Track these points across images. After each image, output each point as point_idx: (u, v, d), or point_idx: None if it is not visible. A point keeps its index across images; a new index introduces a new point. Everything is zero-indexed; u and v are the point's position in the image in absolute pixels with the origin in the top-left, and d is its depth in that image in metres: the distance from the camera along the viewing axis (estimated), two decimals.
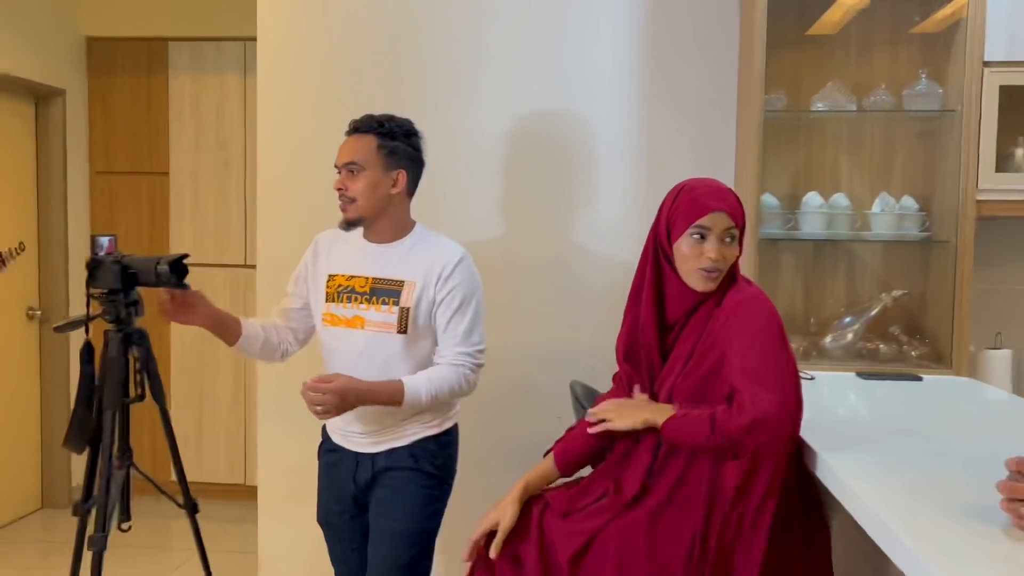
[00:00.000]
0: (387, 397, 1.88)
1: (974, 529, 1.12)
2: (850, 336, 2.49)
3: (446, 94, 2.66)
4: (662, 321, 1.70)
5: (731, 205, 1.64)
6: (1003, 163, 2.33)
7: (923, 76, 2.40)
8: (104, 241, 1.86)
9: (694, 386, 1.60)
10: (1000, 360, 2.36)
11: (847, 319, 2.51)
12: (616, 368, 1.81)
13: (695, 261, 1.62)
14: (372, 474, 1.98)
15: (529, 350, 2.69)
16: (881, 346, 2.47)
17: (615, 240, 2.62)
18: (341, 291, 1.97)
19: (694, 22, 2.63)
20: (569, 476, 1.75)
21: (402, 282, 1.94)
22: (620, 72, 2.65)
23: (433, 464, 1.98)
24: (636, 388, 1.71)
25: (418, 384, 1.90)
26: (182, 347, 4.03)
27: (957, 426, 1.85)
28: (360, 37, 2.67)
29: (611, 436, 1.74)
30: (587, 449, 1.75)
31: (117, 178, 4.06)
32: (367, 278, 1.96)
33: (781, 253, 2.59)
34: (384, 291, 1.94)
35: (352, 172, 1.93)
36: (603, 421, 1.67)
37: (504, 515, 1.65)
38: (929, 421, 1.90)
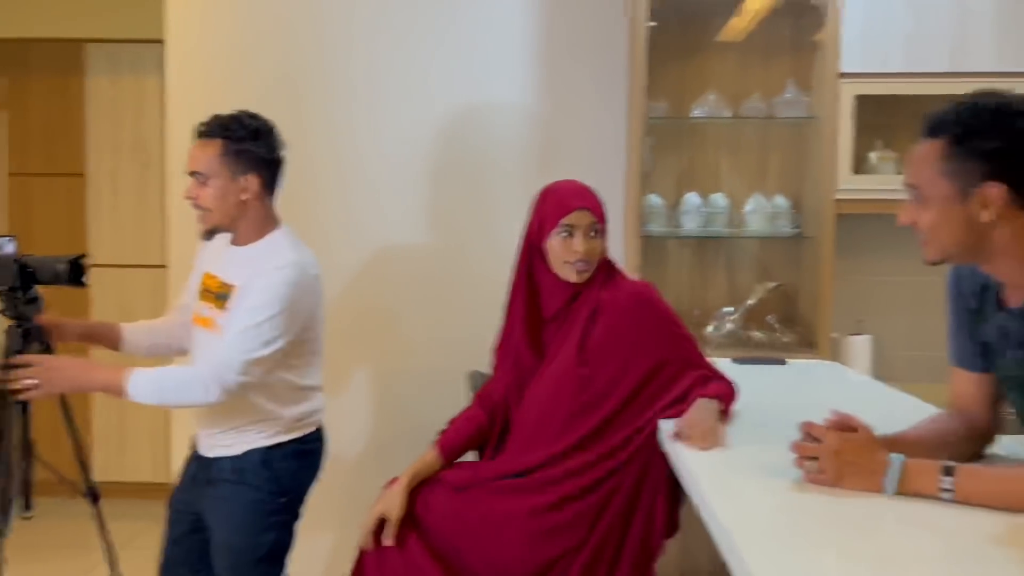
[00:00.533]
0: (101, 385, 1.80)
1: (770, 483, 1.30)
2: (730, 325, 2.69)
3: (355, 96, 2.77)
4: (538, 316, 1.85)
5: (592, 203, 1.81)
6: (860, 165, 2.55)
7: (790, 85, 2.60)
8: (3, 242, 1.94)
9: (603, 347, 1.75)
10: (861, 345, 2.58)
11: (727, 309, 2.72)
12: None
13: (565, 255, 1.78)
14: (205, 478, 1.94)
15: (437, 342, 2.83)
16: (757, 333, 2.67)
17: (513, 238, 2.77)
18: (204, 289, 1.96)
19: (587, 34, 2.79)
20: (451, 463, 1.85)
21: (233, 286, 1.89)
22: (517, 78, 2.80)
23: (260, 477, 1.88)
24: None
25: (143, 381, 1.78)
26: None
27: (810, 404, 2.03)
28: (269, 38, 2.76)
29: (491, 424, 1.88)
30: (468, 437, 1.88)
31: (32, 180, 4.05)
32: (220, 280, 1.93)
33: (666, 249, 2.78)
34: (224, 294, 1.90)
35: (199, 181, 1.88)
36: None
37: (393, 505, 1.74)
38: (787, 400, 2.08)
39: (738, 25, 2.68)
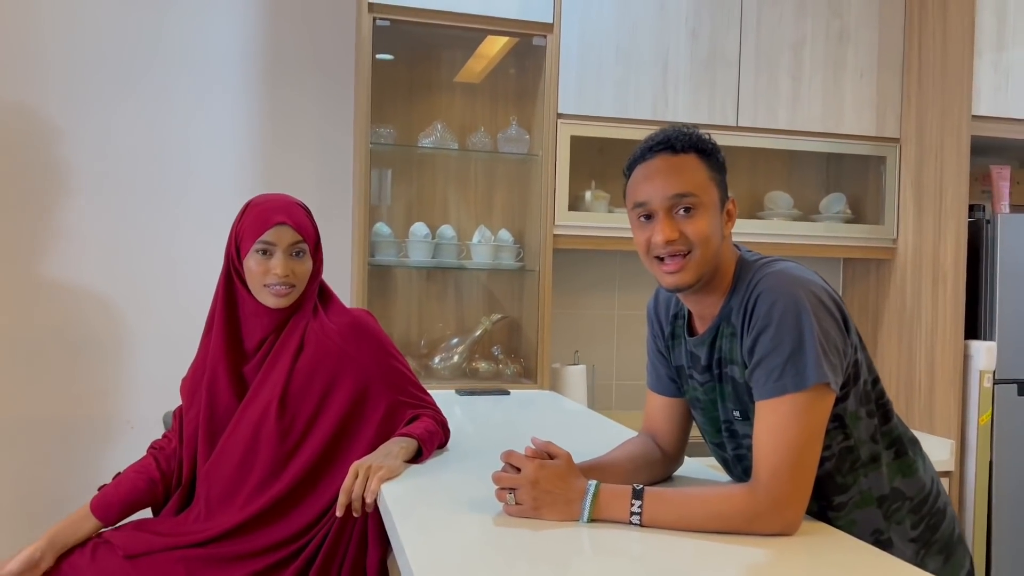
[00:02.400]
0: None
1: (471, 518, 1.25)
2: (456, 357, 2.68)
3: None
4: (240, 349, 1.66)
5: (296, 219, 1.63)
6: (576, 203, 2.68)
7: (514, 123, 2.68)
8: None
9: (305, 384, 1.60)
10: (577, 374, 2.69)
11: (454, 340, 2.70)
12: None
13: (262, 277, 1.61)
14: None
15: (131, 382, 2.53)
16: (482, 365, 2.69)
17: None
18: None
19: (316, 55, 2.70)
20: (112, 524, 1.61)
21: None
22: (238, 93, 2.63)
23: None
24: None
25: None
26: None
27: (528, 433, 2.05)
28: None
29: (166, 477, 1.66)
30: (133, 492, 1.63)
31: None
32: None
33: (394, 279, 2.72)
34: None
35: None
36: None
37: (11, 561, 1.49)
38: (506, 431, 2.09)
39: (475, 67, 2.72)
